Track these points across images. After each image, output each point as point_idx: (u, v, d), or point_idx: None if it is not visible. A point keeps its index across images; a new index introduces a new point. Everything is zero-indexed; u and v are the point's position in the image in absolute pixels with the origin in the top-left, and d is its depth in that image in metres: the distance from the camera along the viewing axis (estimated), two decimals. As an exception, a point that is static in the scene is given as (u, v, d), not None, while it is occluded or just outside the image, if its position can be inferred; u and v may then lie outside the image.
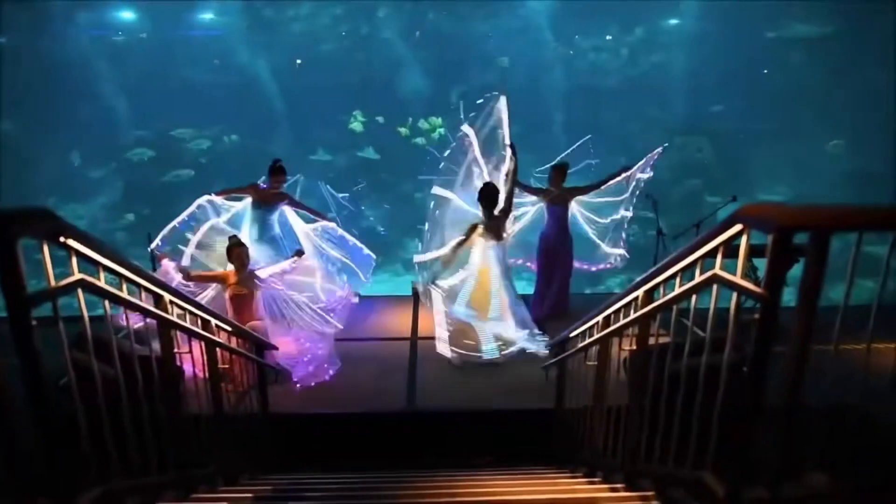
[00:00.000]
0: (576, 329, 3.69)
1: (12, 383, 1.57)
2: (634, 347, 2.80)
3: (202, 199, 6.13)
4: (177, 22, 19.91)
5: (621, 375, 3.22)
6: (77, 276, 1.79)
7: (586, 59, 21.05)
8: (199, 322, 2.90)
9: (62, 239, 1.73)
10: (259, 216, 6.26)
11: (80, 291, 1.83)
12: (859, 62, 16.40)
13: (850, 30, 16.68)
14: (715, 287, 1.96)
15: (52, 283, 1.69)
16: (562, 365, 4.20)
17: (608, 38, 21.24)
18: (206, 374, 3.10)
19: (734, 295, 1.87)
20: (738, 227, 1.75)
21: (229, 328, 3.36)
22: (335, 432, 4.64)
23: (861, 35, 16.42)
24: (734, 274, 1.83)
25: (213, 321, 3.08)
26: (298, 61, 20.06)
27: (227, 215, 6.27)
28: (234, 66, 19.44)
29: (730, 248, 1.87)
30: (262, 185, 6.30)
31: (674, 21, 20.75)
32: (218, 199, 6.26)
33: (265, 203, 6.25)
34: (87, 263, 1.90)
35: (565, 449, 4.01)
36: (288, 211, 6.35)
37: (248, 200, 6.31)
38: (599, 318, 3.19)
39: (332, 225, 6.31)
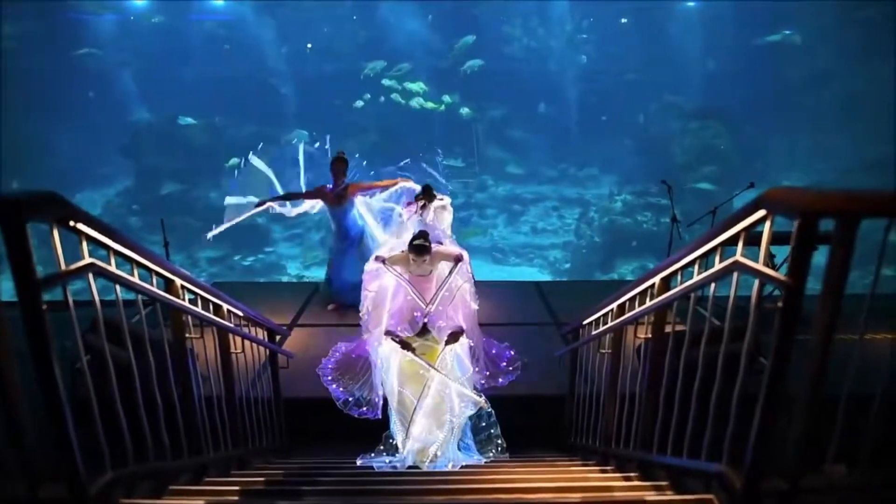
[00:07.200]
0: (590, 316, 3.65)
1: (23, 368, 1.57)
2: (649, 335, 2.75)
3: (265, 206, 6.09)
4: (188, 7, 19.94)
5: (635, 363, 3.17)
6: (87, 260, 1.77)
7: (601, 41, 20.81)
8: (212, 307, 2.90)
9: (72, 223, 1.71)
10: (336, 219, 6.02)
11: (90, 276, 1.82)
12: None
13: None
14: (735, 275, 1.91)
15: (63, 266, 1.68)
16: (574, 353, 4.16)
17: (623, 20, 20.95)
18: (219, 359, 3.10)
19: (755, 283, 1.82)
20: (761, 213, 1.69)
21: (241, 313, 3.35)
22: (348, 417, 4.65)
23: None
24: (754, 261, 1.78)
25: (226, 306, 3.07)
26: (309, 45, 20.02)
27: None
28: (244, 52, 19.49)
29: (751, 235, 1.82)
30: (328, 187, 5.98)
31: (691, 3, 20.38)
32: (276, 206, 6.15)
33: (336, 204, 5.93)
34: (100, 248, 1.90)
35: (577, 437, 3.99)
36: (360, 207, 6.08)
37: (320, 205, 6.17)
38: (614, 305, 3.14)
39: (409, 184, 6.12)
